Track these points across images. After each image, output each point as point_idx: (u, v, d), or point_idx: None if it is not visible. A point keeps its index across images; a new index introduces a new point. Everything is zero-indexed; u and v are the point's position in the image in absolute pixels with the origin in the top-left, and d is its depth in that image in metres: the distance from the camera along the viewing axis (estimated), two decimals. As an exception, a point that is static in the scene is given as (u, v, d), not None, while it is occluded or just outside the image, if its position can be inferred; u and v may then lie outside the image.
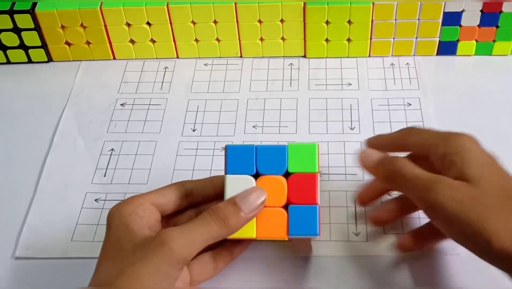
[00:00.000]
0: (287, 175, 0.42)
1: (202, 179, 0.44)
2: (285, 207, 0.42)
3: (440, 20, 0.60)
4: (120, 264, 0.37)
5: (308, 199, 0.42)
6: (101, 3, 0.61)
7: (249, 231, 0.41)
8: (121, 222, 0.40)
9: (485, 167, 0.38)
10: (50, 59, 0.66)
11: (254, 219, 0.41)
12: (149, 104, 0.60)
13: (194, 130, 0.58)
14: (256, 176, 0.42)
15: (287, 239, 0.41)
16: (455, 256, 0.45)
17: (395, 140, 0.44)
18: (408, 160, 0.41)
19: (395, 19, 0.60)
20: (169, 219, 0.44)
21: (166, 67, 0.64)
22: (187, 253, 0.38)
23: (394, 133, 0.44)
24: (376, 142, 0.45)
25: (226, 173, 0.42)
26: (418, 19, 0.59)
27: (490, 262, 0.37)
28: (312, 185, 0.42)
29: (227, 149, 0.42)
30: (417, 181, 0.39)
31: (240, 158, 0.42)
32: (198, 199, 0.44)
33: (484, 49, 0.62)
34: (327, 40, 0.62)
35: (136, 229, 0.39)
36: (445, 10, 0.59)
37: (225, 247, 0.44)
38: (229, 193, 0.41)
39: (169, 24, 0.62)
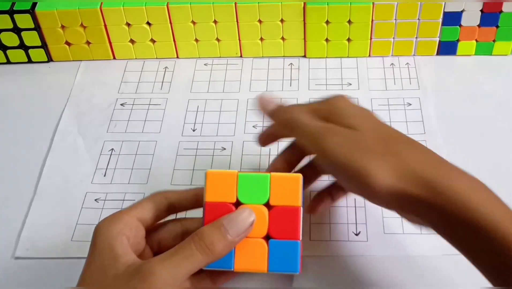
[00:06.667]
0: (268, 205, 0.40)
1: (185, 191, 0.43)
2: (266, 237, 0.40)
3: (440, 20, 0.60)
4: None
5: (290, 234, 0.40)
6: (101, 3, 0.61)
7: (226, 262, 0.39)
8: (107, 243, 0.38)
9: (363, 117, 0.42)
10: (50, 59, 0.66)
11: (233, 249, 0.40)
12: (149, 104, 0.60)
13: (194, 130, 0.58)
14: (237, 204, 0.40)
15: (266, 272, 0.40)
16: (456, 256, 0.45)
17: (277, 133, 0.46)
18: (303, 111, 0.43)
19: (395, 19, 0.60)
20: (151, 231, 0.43)
21: (166, 67, 0.64)
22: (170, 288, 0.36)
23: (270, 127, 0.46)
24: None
25: (205, 199, 0.40)
26: (418, 19, 0.59)
27: (378, 204, 0.39)
28: (294, 219, 0.40)
29: (207, 174, 0.41)
30: (309, 129, 0.41)
31: (220, 184, 0.40)
32: (180, 210, 0.43)
33: (484, 49, 0.62)
34: (327, 40, 0.62)
35: (121, 253, 0.38)
36: (445, 10, 0.59)
37: (207, 274, 0.42)
38: (208, 219, 0.40)
39: (169, 24, 0.62)
